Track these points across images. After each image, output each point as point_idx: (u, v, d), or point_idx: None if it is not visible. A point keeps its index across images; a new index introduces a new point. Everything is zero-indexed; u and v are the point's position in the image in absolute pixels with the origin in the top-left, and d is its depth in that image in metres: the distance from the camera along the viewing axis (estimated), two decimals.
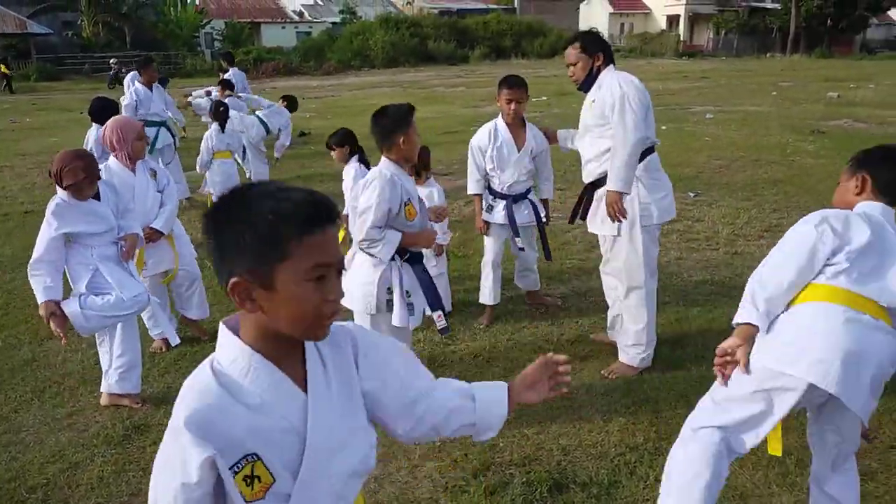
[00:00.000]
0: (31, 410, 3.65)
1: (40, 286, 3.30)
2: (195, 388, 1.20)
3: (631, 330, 3.81)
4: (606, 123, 3.59)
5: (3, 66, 27.92)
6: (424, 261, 4.57)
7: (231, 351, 1.22)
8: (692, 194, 7.76)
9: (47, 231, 3.34)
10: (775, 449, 2.26)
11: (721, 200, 7.49)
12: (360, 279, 3.09)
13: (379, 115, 3.01)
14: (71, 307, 3.33)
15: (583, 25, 47.06)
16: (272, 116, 8.66)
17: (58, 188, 3.41)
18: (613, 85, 3.57)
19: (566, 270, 5.46)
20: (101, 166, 3.95)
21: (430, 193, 4.50)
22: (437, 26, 40.99)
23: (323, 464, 1.25)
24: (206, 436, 1.14)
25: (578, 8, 48.36)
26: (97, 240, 3.46)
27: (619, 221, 3.61)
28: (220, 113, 7.04)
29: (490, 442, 3.18)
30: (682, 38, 43.97)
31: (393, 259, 3.05)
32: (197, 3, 41.09)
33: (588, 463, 3.01)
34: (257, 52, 36.00)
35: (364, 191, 3.00)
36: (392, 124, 2.98)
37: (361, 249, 3.06)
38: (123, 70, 12.53)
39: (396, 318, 3.07)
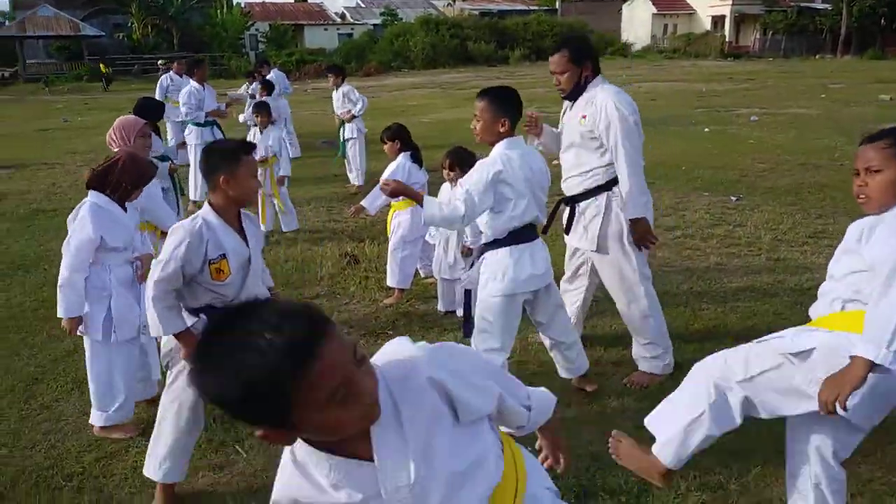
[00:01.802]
0: (71, 400, 3.75)
1: (74, 297, 3.14)
2: (283, 472, 1.25)
3: (642, 342, 3.73)
4: (595, 141, 3.47)
5: (102, 66, 28.78)
6: (451, 263, 4.64)
7: (308, 452, 1.18)
8: (734, 198, 7.58)
9: (83, 235, 3.14)
10: None
11: (764, 205, 7.29)
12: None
13: (205, 150, 2.67)
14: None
15: (625, 26, 46.51)
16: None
17: (93, 191, 3.27)
18: (609, 105, 3.40)
19: None
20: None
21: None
22: (477, 27, 40.99)
23: None
24: None
25: (621, 9, 47.74)
26: (115, 258, 3.28)
27: (648, 247, 3.68)
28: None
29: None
30: (727, 39, 43.04)
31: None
32: (242, 5, 41.93)
33: (618, 470, 2.94)
34: (300, 54, 36.54)
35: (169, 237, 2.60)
36: (216, 161, 2.55)
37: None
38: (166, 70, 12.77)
39: None
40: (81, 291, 3.16)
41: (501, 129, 3.09)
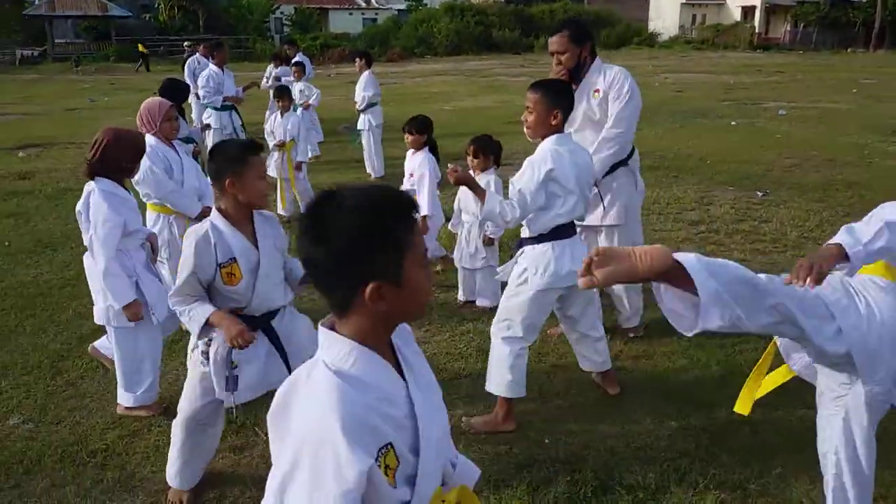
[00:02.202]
0: (97, 378, 3.81)
1: (122, 283, 3.16)
2: (332, 395, 1.19)
3: (636, 299, 4.12)
4: (608, 114, 3.68)
5: (140, 46, 29.02)
6: (472, 252, 4.63)
7: (341, 349, 1.27)
8: (760, 193, 7.47)
9: (110, 221, 3.11)
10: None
11: (790, 201, 7.17)
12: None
13: (211, 152, 2.55)
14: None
15: (653, 16, 45.85)
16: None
17: (98, 177, 3.22)
18: (619, 76, 3.66)
19: None
20: (156, 150, 4.04)
21: (486, 183, 4.46)
22: (502, 14, 40.68)
23: (430, 437, 1.32)
24: (361, 439, 1.17)
25: None
26: (132, 242, 3.28)
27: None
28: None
29: (536, 438, 3.15)
30: (757, 31, 42.25)
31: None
32: None
33: (636, 466, 2.94)
34: (324, 38, 36.55)
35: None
36: (221, 164, 2.46)
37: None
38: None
39: (212, 381, 2.58)
40: (125, 275, 3.18)
41: (553, 122, 3.04)
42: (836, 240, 2.10)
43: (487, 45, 38.43)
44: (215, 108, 8.05)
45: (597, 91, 3.73)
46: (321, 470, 1.15)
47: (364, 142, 8.88)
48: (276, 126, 6.89)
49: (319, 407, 1.18)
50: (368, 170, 8.94)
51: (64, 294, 4.98)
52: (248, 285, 2.51)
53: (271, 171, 7.25)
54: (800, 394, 3.43)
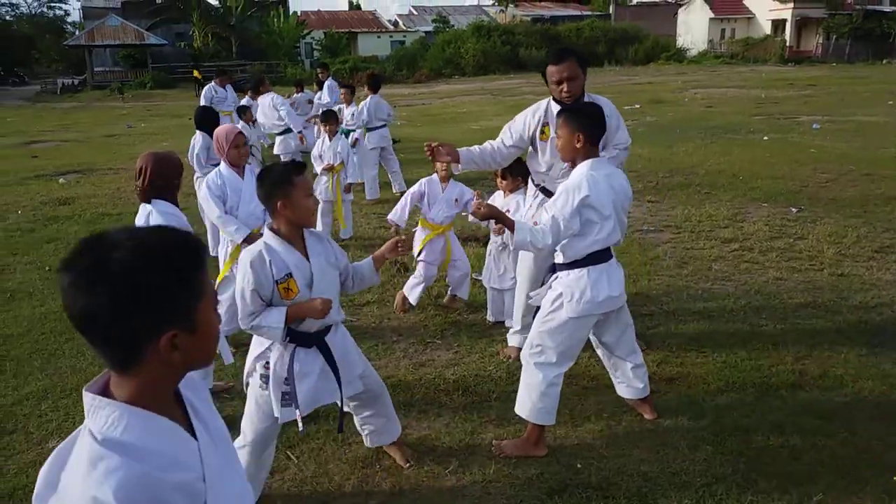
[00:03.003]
0: None
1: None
2: (98, 470, 1.09)
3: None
4: (608, 140, 3.70)
5: (195, 72, 29.80)
6: (500, 273, 4.61)
7: (109, 414, 1.13)
8: (794, 209, 7.33)
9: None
10: None
11: (827, 217, 7.03)
12: (249, 354, 2.80)
13: (259, 176, 2.67)
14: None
15: (681, 31, 45.62)
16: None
17: (155, 199, 3.44)
18: (611, 106, 3.76)
19: (655, 287, 5.27)
20: (212, 177, 4.31)
21: (517, 203, 4.47)
22: (528, 34, 40.91)
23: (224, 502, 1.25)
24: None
25: (676, 13, 46.87)
26: None
27: None
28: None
29: (568, 462, 3.11)
30: (788, 44, 41.72)
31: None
32: (298, 14, 42.85)
33: (671, 492, 2.88)
34: (353, 61, 37.11)
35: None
36: (270, 186, 2.58)
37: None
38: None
39: (273, 405, 2.70)
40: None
41: (578, 145, 3.02)
42: None
43: (514, 64, 38.61)
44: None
45: None
46: None
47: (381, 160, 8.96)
48: (324, 150, 6.98)
49: (88, 486, 1.05)
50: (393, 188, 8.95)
51: None
52: (304, 299, 2.61)
53: (319, 195, 7.37)
54: (843, 419, 3.36)
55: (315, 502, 2.92)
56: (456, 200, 4.90)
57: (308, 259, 2.65)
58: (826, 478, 2.92)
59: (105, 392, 1.16)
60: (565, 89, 3.58)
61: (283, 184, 2.56)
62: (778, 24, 44.02)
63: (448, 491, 2.96)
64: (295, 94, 12.03)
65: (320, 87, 11.90)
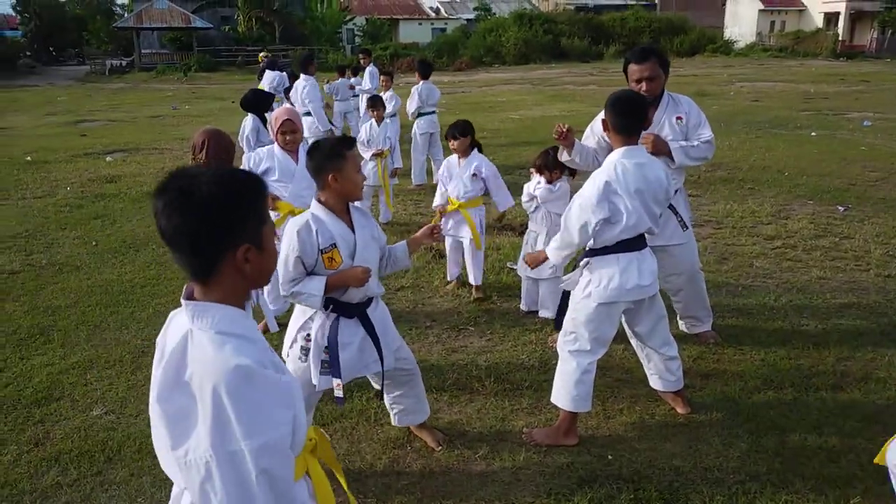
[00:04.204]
0: None
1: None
2: (227, 348, 1.36)
3: (702, 313, 4.18)
4: (688, 139, 3.77)
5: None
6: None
7: (216, 313, 1.38)
8: (841, 208, 7.13)
9: None
10: None
11: (875, 217, 6.82)
12: (290, 326, 2.90)
13: (310, 150, 2.72)
14: None
15: (728, 22, 44.46)
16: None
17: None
18: (690, 104, 3.87)
19: None
20: (257, 152, 4.48)
21: (560, 190, 4.49)
22: (571, 23, 40.34)
23: None
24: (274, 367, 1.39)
25: (724, 4, 45.66)
26: None
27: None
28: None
29: (599, 453, 3.10)
30: (840, 38, 40.33)
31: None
32: (341, 0, 43.00)
33: (703, 487, 2.85)
34: (394, 48, 37.13)
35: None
36: (322, 159, 2.65)
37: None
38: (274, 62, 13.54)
39: (311, 373, 2.79)
40: None
41: (606, 132, 3.06)
42: None
43: (556, 53, 38.16)
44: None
45: (679, 118, 3.80)
46: (264, 392, 1.30)
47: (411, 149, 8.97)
48: (372, 134, 7.03)
49: (226, 359, 1.28)
50: (412, 177, 8.85)
51: (145, 293, 5.25)
52: (347, 268, 2.68)
53: (369, 180, 7.42)
54: (885, 422, 3.27)
55: (347, 479, 2.95)
56: (474, 175, 4.90)
57: (353, 231, 2.72)
58: (864, 482, 2.86)
59: (191, 299, 1.39)
60: (644, 88, 3.63)
61: (335, 157, 2.64)
62: (831, 17, 42.57)
63: (478, 476, 2.98)
64: (337, 80, 12.08)
65: (354, 74, 11.95)
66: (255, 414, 1.28)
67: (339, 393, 2.77)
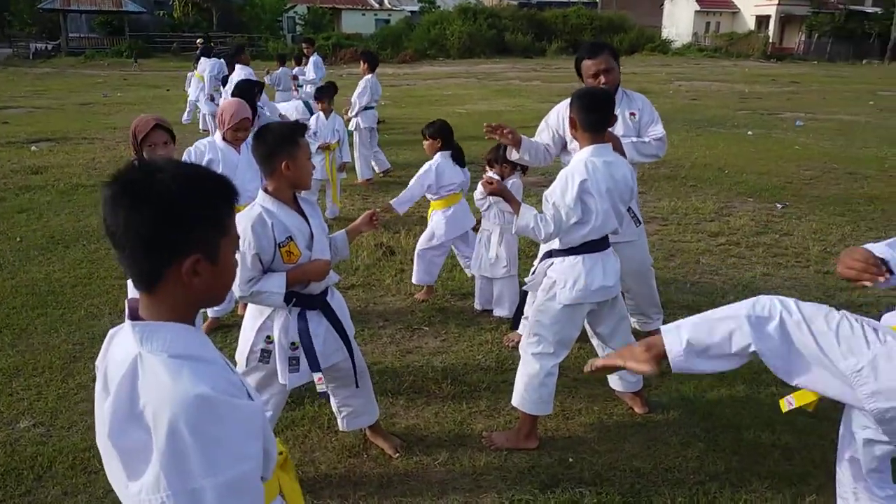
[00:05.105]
0: None
1: None
2: (182, 373, 1.22)
3: (655, 315, 4.17)
4: (640, 136, 3.78)
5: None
6: (492, 261, 4.53)
7: (166, 333, 1.23)
8: (779, 205, 7.36)
9: None
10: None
11: (811, 214, 7.06)
12: (244, 329, 2.75)
13: (259, 134, 2.57)
14: None
15: (666, 23, 45.68)
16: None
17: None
18: (644, 101, 3.88)
19: None
20: (196, 145, 4.25)
21: (512, 187, 4.41)
22: (515, 18, 40.57)
23: None
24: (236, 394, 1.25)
25: (662, 4, 46.88)
26: None
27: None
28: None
29: (560, 456, 3.06)
30: (771, 40, 42.00)
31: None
32: None
33: (664, 488, 2.84)
34: (336, 38, 36.52)
35: None
36: (274, 145, 2.50)
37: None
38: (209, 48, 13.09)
39: (278, 373, 2.68)
40: None
41: (573, 130, 2.99)
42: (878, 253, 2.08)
43: (500, 48, 38.33)
44: None
45: (633, 114, 3.79)
46: (228, 423, 1.15)
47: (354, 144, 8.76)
48: (320, 127, 6.80)
49: (185, 389, 1.13)
50: (357, 172, 8.57)
51: (76, 293, 4.92)
52: (306, 261, 2.59)
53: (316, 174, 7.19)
54: (834, 419, 3.33)
55: (301, 491, 2.81)
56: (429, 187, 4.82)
57: (308, 221, 2.61)
58: (818, 478, 2.91)
59: (135, 318, 1.25)
60: (602, 81, 3.59)
61: (288, 143, 2.51)
62: (762, 20, 44.31)
63: (438, 483, 2.89)
64: (278, 70, 11.76)
65: (298, 63, 11.64)
66: (219, 447, 1.13)
67: (321, 388, 2.68)
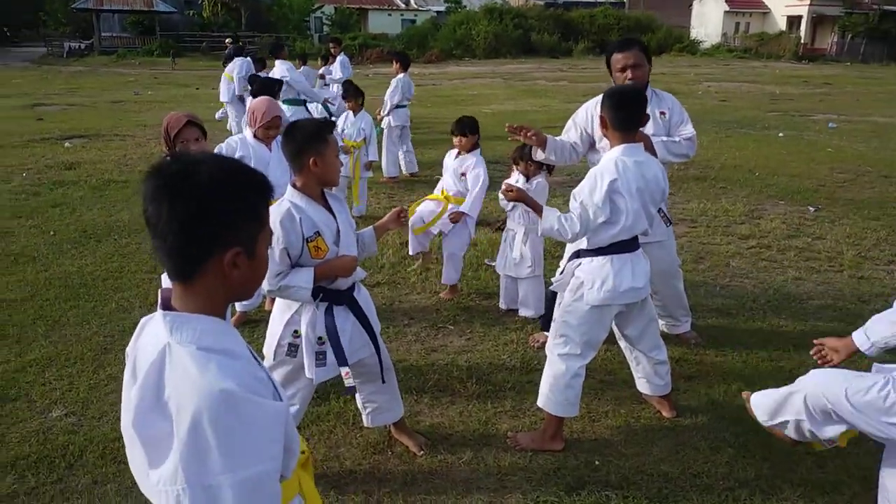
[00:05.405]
0: None
1: None
2: (210, 367, 1.23)
3: (682, 315, 4.15)
4: (670, 135, 3.72)
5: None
6: (516, 261, 4.50)
7: (196, 325, 1.23)
8: (812, 209, 7.21)
9: None
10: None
11: (844, 218, 6.91)
12: (272, 322, 2.76)
13: (289, 131, 2.59)
14: None
15: (695, 23, 45.11)
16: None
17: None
18: (674, 100, 3.84)
19: None
20: (228, 142, 4.30)
21: (536, 185, 4.39)
22: (541, 18, 40.40)
23: None
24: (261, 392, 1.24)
25: (691, 4, 46.28)
26: None
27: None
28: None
29: (586, 459, 3.03)
30: (802, 41, 41.25)
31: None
32: None
33: (692, 494, 2.80)
34: (363, 38, 36.70)
35: None
36: (303, 142, 2.53)
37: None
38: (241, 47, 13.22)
39: (305, 367, 2.70)
40: None
41: (604, 129, 2.94)
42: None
43: (526, 48, 38.19)
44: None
45: (663, 113, 3.75)
46: (251, 421, 1.14)
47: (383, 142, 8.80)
48: (348, 125, 6.83)
49: (210, 382, 1.13)
50: (383, 170, 8.58)
51: (107, 286, 5.00)
52: (334, 256, 2.61)
53: (344, 171, 7.23)
54: None
55: (326, 486, 2.83)
56: (462, 175, 4.79)
57: (335, 217, 2.63)
58: (852, 487, 2.85)
59: (167, 308, 1.25)
60: (630, 76, 3.55)
61: (317, 140, 2.54)
62: (793, 21, 43.51)
63: (462, 482, 2.87)
64: (300, 69, 11.77)
65: (325, 62, 11.70)
66: (240, 445, 1.12)
67: (349, 382, 2.68)
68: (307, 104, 8.91)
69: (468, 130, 4.73)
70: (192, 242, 1.20)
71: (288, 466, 1.31)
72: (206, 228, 1.19)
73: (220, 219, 1.20)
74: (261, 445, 1.16)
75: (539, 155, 3.79)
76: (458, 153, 4.86)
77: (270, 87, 5.62)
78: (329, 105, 9.65)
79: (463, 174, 4.77)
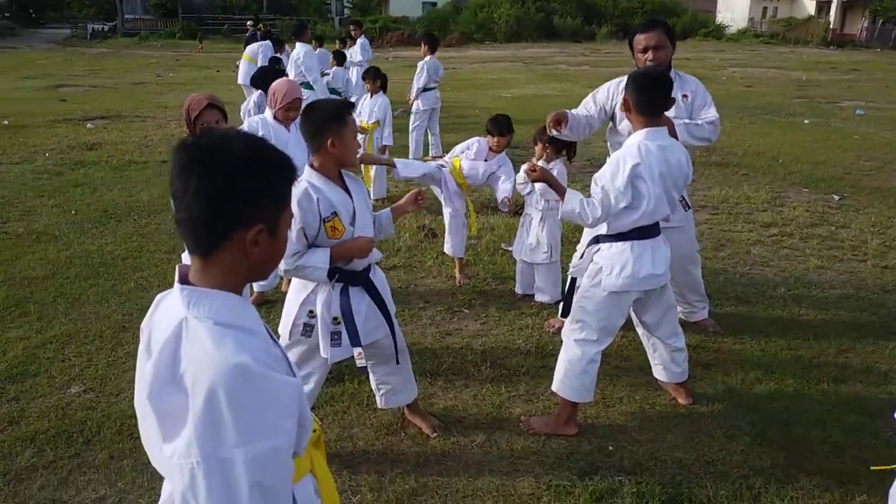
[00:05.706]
0: None
1: None
2: (226, 342, 1.22)
3: (696, 299, 4.11)
4: (692, 118, 3.65)
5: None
6: (532, 246, 4.45)
7: (213, 301, 1.23)
8: (836, 197, 7.07)
9: None
10: None
11: (870, 206, 6.77)
12: (288, 302, 2.78)
13: (308, 111, 2.59)
14: None
15: (721, 7, 44.25)
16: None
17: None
18: (697, 83, 3.75)
19: None
20: (249, 122, 4.35)
21: (557, 172, 4.32)
22: (563, 2, 39.83)
23: None
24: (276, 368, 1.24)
25: None
26: None
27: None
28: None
29: (600, 444, 3.01)
30: (831, 26, 40.30)
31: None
32: None
33: (706, 481, 2.77)
34: (384, 21, 36.54)
35: None
36: (322, 122, 2.53)
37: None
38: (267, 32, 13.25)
39: (320, 347, 2.72)
40: None
41: (627, 112, 2.89)
42: None
43: (548, 32, 37.75)
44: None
45: (685, 96, 3.67)
46: (266, 395, 1.14)
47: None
48: (363, 107, 6.81)
49: (226, 357, 1.12)
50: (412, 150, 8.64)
51: (127, 265, 5.06)
52: (350, 237, 2.61)
53: None
54: (889, 417, 3.20)
55: (339, 466, 2.85)
56: (492, 174, 4.71)
57: (351, 197, 2.63)
58: (869, 477, 2.79)
59: (185, 283, 1.25)
60: (650, 57, 3.49)
61: (336, 120, 2.53)
62: (822, 6, 42.51)
63: (475, 465, 2.87)
64: (315, 51, 11.76)
65: (344, 45, 11.67)
66: (254, 419, 1.12)
67: (361, 362, 2.70)
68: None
69: (506, 129, 4.57)
70: (218, 217, 1.20)
71: (301, 444, 1.31)
72: (232, 204, 1.19)
73: (247, 195, 1.20)
74: (275, 420, 1.16)
75: (553, 132, 3.74)
76: (487, 155, 4.65)
77: (273, 78, 5.62)
78: (338, 93, 9.68)
79: (493, 174, 4.67)
